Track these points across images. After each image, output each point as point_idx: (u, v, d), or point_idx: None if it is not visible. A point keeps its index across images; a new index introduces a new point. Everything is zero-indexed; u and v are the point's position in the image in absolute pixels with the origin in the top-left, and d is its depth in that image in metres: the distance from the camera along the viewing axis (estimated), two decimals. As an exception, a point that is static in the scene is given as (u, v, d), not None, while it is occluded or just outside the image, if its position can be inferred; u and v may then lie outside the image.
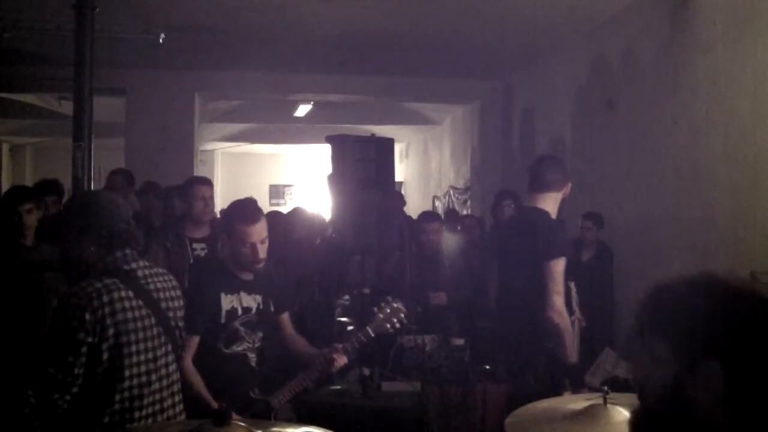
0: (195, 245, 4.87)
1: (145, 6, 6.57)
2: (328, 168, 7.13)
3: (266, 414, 3.52)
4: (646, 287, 1.44)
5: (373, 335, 3.83)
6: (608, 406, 2.35)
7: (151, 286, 2.77)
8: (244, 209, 3.61)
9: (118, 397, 2.62)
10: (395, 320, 3.88)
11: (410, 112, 12.55)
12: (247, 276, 3.66)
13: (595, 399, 2.43)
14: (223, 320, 3.57)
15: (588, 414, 2.37)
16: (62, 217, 2.92)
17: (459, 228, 7.67)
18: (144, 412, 2.68)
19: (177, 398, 2.85)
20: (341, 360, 3.69)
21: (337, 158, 7.41)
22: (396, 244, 5.82)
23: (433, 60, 8.61)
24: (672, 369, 1.34)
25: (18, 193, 4.79)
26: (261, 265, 3.60)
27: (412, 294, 5.65)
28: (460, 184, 11.42)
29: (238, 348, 3.61)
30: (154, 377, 2.71)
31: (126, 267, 2.72)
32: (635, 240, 6.34)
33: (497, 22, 7.05)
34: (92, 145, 5.47)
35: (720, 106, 5.21)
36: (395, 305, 3.90)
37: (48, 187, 5.62)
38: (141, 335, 2.67)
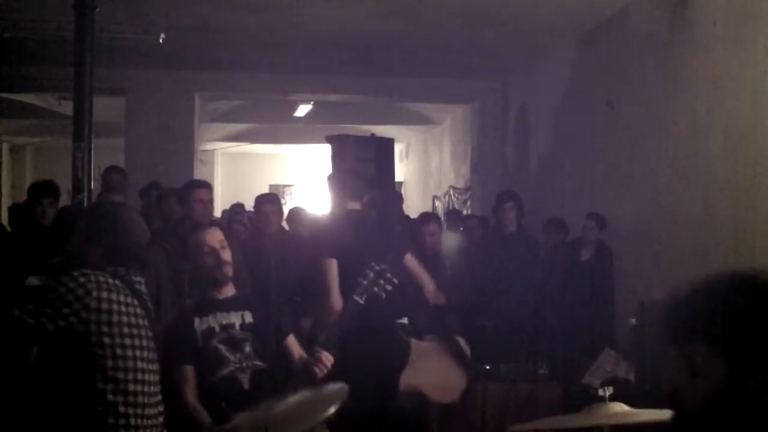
0: None
1: (145, 6, 6.57)
2: (328, 168, 7.15)
3: None
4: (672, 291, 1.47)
5: (362, 303, 3.52)
6: (608, 405, 2.35)
7: (147, 302, 2.77)
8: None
9: (109, 387, 2.59)
10: (382, 281, 3.53)
11: (410, 112, 12.54)
12: (223, 295, 3.39)
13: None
14: (200, 343, 3.26)
15: (588, 414, 2.37)
16: (80, 217, 2.91)
17: (461, 228, 7.68)
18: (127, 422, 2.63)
19: (161, 418, 2.79)
20: (323, 368, 3.24)
21: (337, 158, 7.43)
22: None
23: (433, 60, 8.61)
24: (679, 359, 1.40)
25: None
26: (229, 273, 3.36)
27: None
28: (460, 184, 11.42)
29: (223, 371, 3.25)
30: (140, 387, 2.66)
31: (126, 277, 2.72)
32: (635, 240, 6.33)
33: (497, 22, 7.05)
34: (92, 145, 5.47)
35: (720, 106, 5.21)
36: (377, 267, 3.55)
37: (43, 189, 5.57)
38: (137, 342, 2.65)
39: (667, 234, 5.84)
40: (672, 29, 5.83)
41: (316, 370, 3.23)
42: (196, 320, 3.31)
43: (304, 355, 3.41)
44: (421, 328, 5.19)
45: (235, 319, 3.34)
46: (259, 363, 3.31)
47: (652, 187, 6.09)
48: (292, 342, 3.48)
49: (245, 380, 3.27)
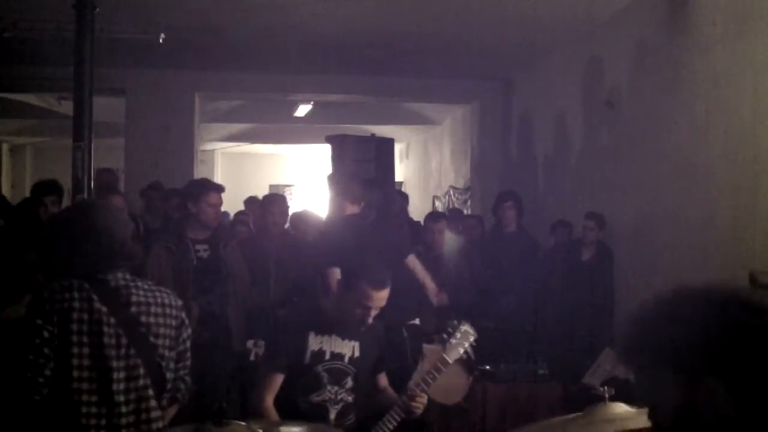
0: (198, 246, 4.87)
1: (145, 6, 6.57)
2: (328, 168, 7.16)
3: None
4: (638, 306, 1.37)
5: (450, 362, 3.50)
6: (608, 405, 2.35)
7: (123, 299, 2.62)
8: (378, 273, 3.29)
9: (68, 400, 2.53)
10: (467, 344, 3.57)
11: (410, 112, 12.54)
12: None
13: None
14: (306, 361, 3.27)
15: (588, 414, 2.37)
16: (61, 225, 2.80)
17: (460, 228, 7.68)
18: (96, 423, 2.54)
19: (154, 426, 2.64)
20: (422, 400, 3.29)
21: (337, 158, 7.43)
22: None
23: (432, 60, 8.61)
24: (679, 393, 1.27)
25: None
26: (364, 328, 3.32)
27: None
28: (460, 184, 11.42)
29: (317, 398, 3.28)
30: (101, 386, 2.56)
31: (100, 276, 2.61)
32: (635, 240, 6.33)
33: (497, 22, 7.05)
34: (92, 145, 5.47)
35: (720, 106, 5.21)
36: (464, 328, 3.56)
37: (47, 188, 5.59)
38: (95, 339, 2.54)
39: (667, 234, 5.84)
40: (672, 29, 5.83)
41: (415, 405, 3.28)
42: (311, 334, 3.30)
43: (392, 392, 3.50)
44: (430, 329, 5.19)
45: (346, 350, 3.35)
46: (350, 399, 3.36)
47: (652, 187, 6.09)
48: (384, 377, 3.58)
49: (333, 412, 3.32)
